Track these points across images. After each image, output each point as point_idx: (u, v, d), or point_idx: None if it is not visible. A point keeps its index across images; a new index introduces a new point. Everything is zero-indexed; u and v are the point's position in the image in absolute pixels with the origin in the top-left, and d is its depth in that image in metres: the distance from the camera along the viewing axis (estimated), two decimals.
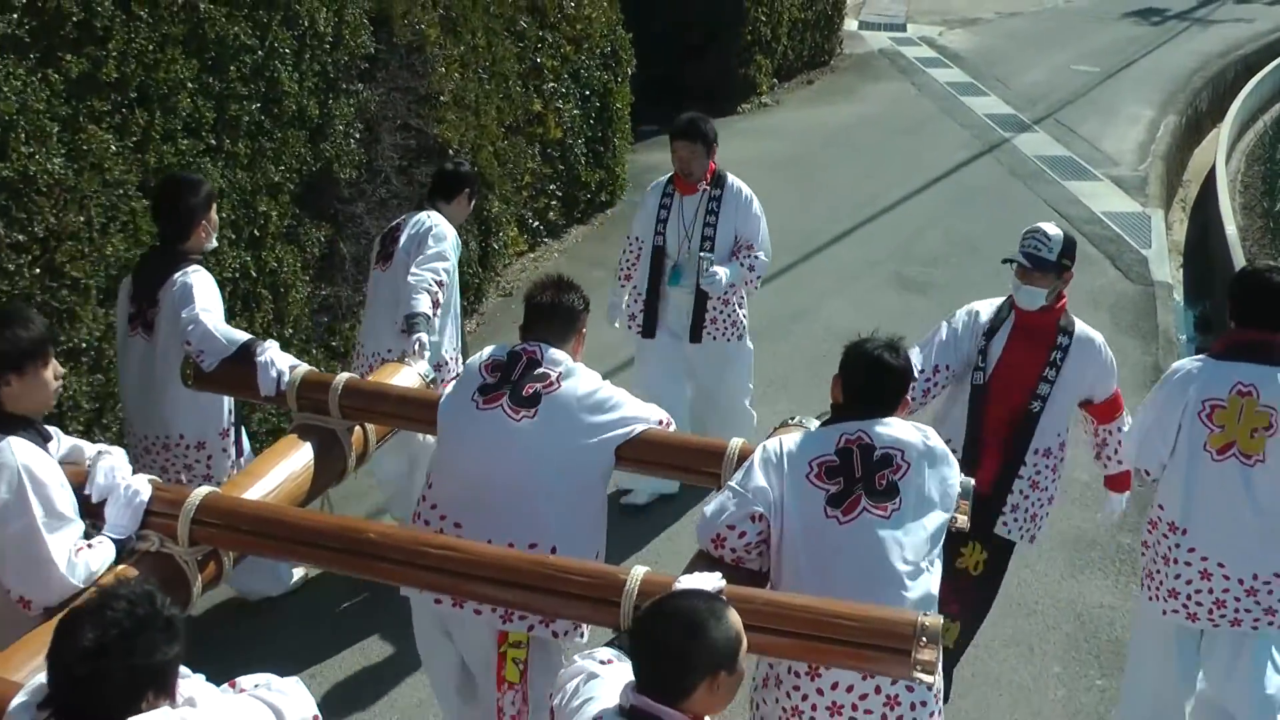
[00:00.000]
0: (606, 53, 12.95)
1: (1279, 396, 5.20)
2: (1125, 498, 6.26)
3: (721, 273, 7.35)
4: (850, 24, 26.13)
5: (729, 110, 18.02)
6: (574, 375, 4.73)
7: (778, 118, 17.85)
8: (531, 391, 4.64)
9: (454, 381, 4.96)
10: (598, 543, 4.80)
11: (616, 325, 8.01)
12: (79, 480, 4.39)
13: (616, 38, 13.17)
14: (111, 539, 4.29)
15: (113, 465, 4.43)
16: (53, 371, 4.39)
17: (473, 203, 7.26)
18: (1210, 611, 5.36)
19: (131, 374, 6.13)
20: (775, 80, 19.70)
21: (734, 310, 7.70)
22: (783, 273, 11.65)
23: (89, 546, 4.20)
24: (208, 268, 6.03)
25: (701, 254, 7.40)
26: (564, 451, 4.63)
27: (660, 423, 4.87)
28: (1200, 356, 5.41)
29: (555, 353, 4.75)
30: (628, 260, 7.91)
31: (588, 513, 4.76)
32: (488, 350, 4.86)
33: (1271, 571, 5.29)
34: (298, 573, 6.96)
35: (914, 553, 4.12)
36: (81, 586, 4.09)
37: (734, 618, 3.19)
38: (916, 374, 5.43)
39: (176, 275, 5.83)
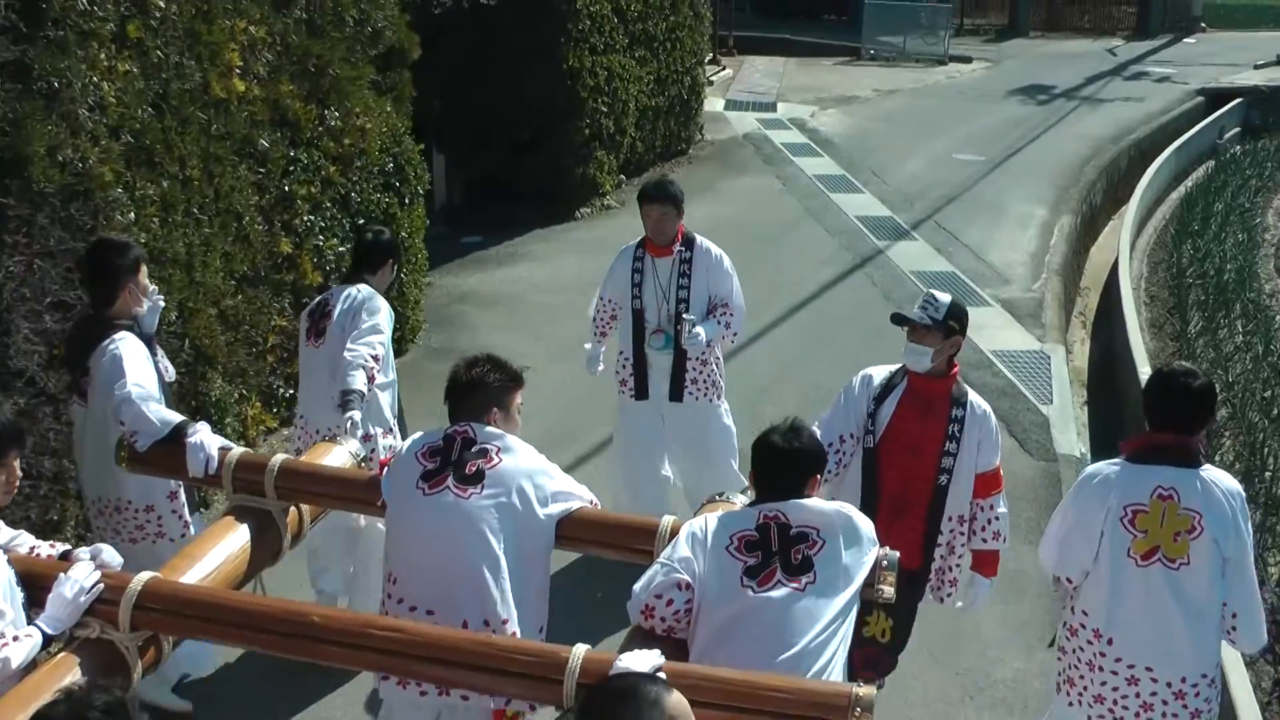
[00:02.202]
0: (388, 170, 10.53)
1: (1200, 499, 5.20)
2: (991, 584, 6.25)
3: (702, 332, 7.58)
4: (716, 103, 24.11)
5: (565, 215, 15.81)
6: (513, 451, 4.83)
7: (621, 223, 15.45)
8: (474, 469, 4.73)
9: (389, 474, 4.96)
10: (544, 617, 4.92)
11: (600, 370, 8.27)
12: (20, 568, 4.41)
13: (402, 151, 10.76)
14: (43, 630, 4.20)
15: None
16: (8, 475, 4.45)
17: (396, 270, 7.34)
18: (1137, 715, 5.34)
19: (76, 439, 6.24)
20: (622, 177, 17.43)
21: (711, 370, 7.88)
22: (594, 452, 9.25)
23: (14, 640, 4.10)
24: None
25: (684, 316, 7.60)
26: (512, 524, 4.71)
27: (591, 503, 4.96)
28: (1115, 460, 5.37)
29: (488, 429, 4.86)
30: (602, 319, 8.15)
31: (535, 586, 4.84)
32: (418, 437, 4.93)
33: (1199, 673, 5.29)
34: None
35: (823, 624, 4.22)
36: None
37: (678, 701, 3.17)
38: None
39: (105, 344, 5.79)
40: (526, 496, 4.75)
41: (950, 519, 6.00)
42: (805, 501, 4.49)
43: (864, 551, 4.41)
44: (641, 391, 7.89)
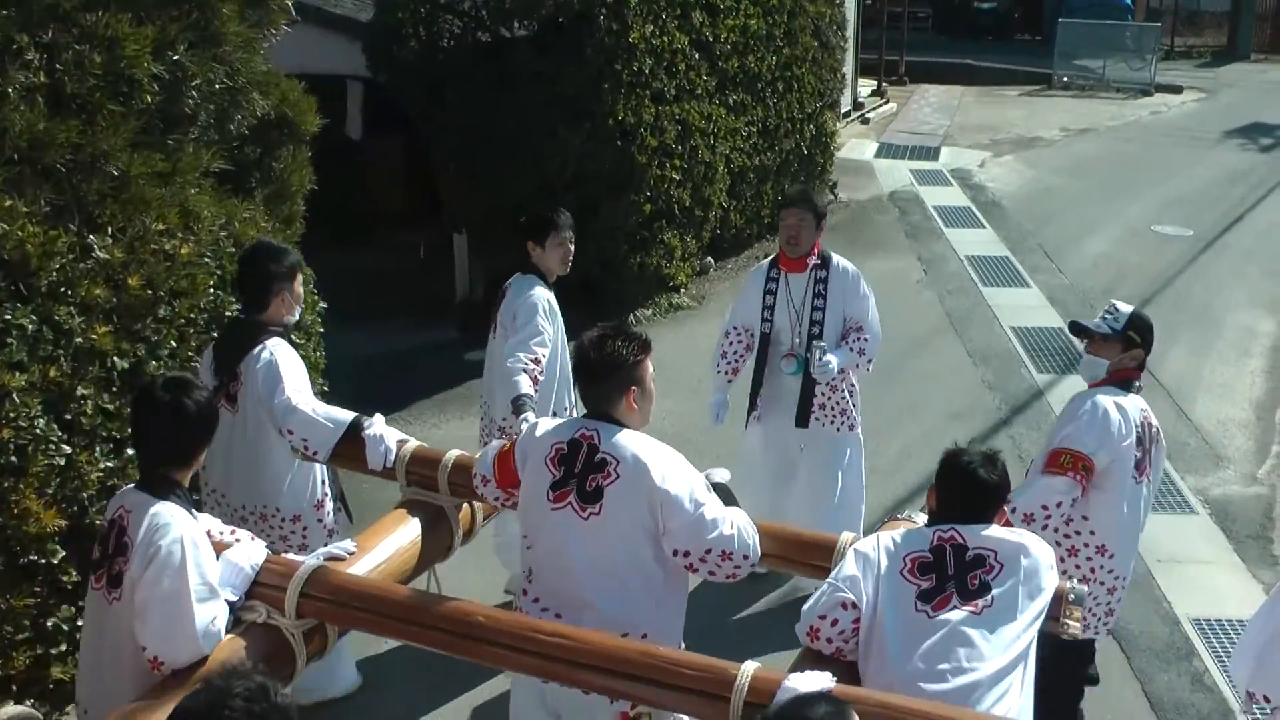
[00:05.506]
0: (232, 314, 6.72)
1: None
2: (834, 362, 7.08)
3: (834, 361, 7.19)
4: (867, 147, 20.21)
5: (616, 319, 11.76)
6: (630, 463, 4.48)
7: (689, 332, 11.55)
8: (594, 485, 4.52)
9: (527, 471, 4.70)
10: (681, 627, 4.77)
11: (724, 423, 7.63)
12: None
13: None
14: (227, 599, 4.34)
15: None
16: None
17: (569, 242, 7.17)
18: None
19: (220, 446, 5.65)
20: (709, 260, 13.49)
21: (843, 397, 7.46)
22: None
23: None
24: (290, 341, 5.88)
25: (815, 343, 7.23)
26: (634, 542, 4.52)
27: (722, 530, 4.50)
28: None
29: (614, 438, 4.56)
30: (733, 353, 7.61)
31: (673, 597, 4.69)
32: (548, 432, 4.68)
33: None
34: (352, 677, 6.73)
35: (1001, 652, 4.08)
36: (208, 653, 4.18)
37: None
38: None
39: (257, 350, 5.70)
40: (643, 519, 4.48)
41: None
42: (984, 526, 4.33)
43: (1043, 580, 4.24)
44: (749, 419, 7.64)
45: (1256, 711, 4.95)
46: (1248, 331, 12.38)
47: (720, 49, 12.81)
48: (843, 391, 7.43)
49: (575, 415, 6.74)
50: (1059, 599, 4.28)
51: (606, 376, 4.63)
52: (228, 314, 6.66)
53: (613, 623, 4.48)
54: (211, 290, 6.59)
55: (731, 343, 7.60)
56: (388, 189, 14.41)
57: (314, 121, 7.57)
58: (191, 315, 6.49)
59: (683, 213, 12.43)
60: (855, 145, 20.45)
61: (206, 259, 6.57)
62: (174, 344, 6.38)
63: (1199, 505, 8.65)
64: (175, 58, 6.37)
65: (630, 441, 4.55)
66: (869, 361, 7.41)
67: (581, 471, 4.56)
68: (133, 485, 4.48)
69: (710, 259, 13.55)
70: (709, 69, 12.64)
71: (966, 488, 4.39)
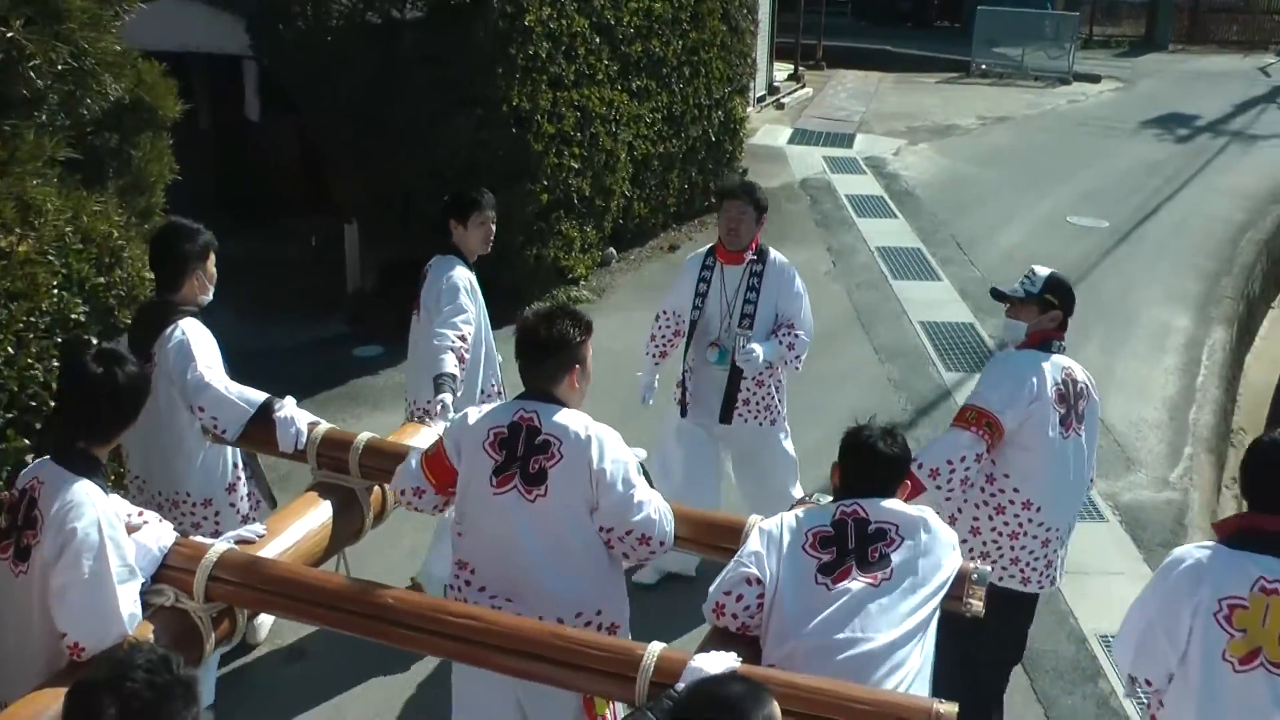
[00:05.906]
0: (73, 321, 6.20)
1: None
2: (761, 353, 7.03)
3: (758, 350, 7.04)
4: (780, 133, 19.83)
5: (508, 315, 11.28)
6: (573, 443, 4.55)
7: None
8: (537, 468, 4.56)
9: (464, 459, 4.68)
10: (627, 603, 4.82)
11: (650, 404, 7.67)
12: None
13: (116, 282, 6.41)
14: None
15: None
16: None
17: (491, 222, 7.20)
18: None
19: (138, 432, 5.27)
20: (611, 251, 13.04)
21: (769, 392, 7.33)
22: None
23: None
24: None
25: (739, 330, 7.16)
26: (582, 521, 4.57)
27: (646, 515, 4.58)
28: (1208, 544, 4.46)
29: (555, 417, 4.60)
30: (662, 336, 7.60)
31: (620, 574, 4.76)
32: (483, 418, 4.70)
33: None
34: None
35: (899, 625, 4.10)
36: (130, 634, 4.09)
37: (775, 708, 3.18)
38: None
39: (170, 330, 5.71)
40: (585, 499, 4.54)
41: None
42: (886, 500, 4.37)
43: (943, 556, 4.29)
44: (683, 409, 7.42)
45: (1140, 695, 5.09)
46: (1163, 327, 12.13)
47: (623, 32, 12.40)
48: (769, 387, 7.33)
49: (502, 397, 6.88)
50: (962, 579, 4.33)
51: (552, 355, 4.65)
52: (74, 316, 6.17)
53: (567, 603, 4.54)
54: (55, 291, 6.06)
55: (661, 326, 7.60)
56: (286, 174, 13.88)
57: (174, 106, 7.09)
58: (31, 319, 5.94)
59: (582, 202, 12.00)
60: (769, 131, 20.12)
61: (50, 257, 6.06)
62: (10, 350, 5.84)
63: (1109, 512, 8.35)
64: (9, 35, 5.87)
65: (571, 421, 4.60)
66: (798, 358, 7.31)
67: (524, 454, 4.59)
68: (48, 456, 4.37)
69: (612, 250, 13.13)
70: (611, 53, 12.22)
71: (867, 461, 4.43)
